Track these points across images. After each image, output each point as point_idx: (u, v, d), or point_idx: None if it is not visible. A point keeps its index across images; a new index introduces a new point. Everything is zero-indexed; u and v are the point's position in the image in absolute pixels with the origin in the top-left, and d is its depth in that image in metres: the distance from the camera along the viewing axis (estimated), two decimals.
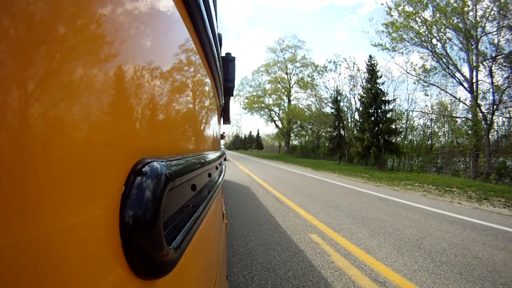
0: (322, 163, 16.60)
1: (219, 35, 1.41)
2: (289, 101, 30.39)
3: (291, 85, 30.36)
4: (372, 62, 15.01)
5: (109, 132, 0.22)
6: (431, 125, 17.39)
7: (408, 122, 17.55)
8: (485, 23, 11.78)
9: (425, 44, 13.52)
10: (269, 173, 10.99)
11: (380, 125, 13.92)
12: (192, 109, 0.56)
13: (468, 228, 3.73)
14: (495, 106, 11.34)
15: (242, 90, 32.34)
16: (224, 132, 5.93)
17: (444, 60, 13.36)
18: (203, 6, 0.53)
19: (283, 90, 30.88)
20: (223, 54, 1.68)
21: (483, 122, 12.09)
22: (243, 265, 2.41)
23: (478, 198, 6.16)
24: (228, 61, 1.68)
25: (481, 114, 12.04)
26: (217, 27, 0.96)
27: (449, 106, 16.16)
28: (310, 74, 28.49)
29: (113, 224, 0.22)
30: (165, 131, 0.37)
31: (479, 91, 12.46)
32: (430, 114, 16.97)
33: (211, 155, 0.71)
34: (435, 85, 14.16)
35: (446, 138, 16.61)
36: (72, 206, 0.17)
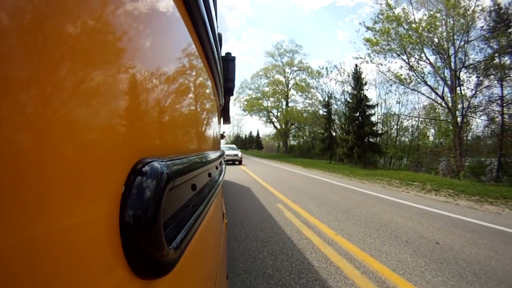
0: (314, 162, 17.85)
1: (219, 35, 1.41)
2: (287, 103, 31.77)
3: (289, 88, 31.71)
4: (358, 70, 16.77)
5: (109, 132, 0.22)
6: (418, 126, 18.79)
7: (398, 124, 19.36)
8: (453, 38, 13.35)
9: (401, 56, 15.26)
10: (262, 169, 12.51)
11: (364, 127, 15.71)
12: (192, 109, 0.56)
13: (393, 205, 5.09)
14: (463, 111, 12.88)
15: (242, 93, 33.89)
16: (224, 132, 6.00)
17: (418, 70, 15.04)
18: (203, 6, 0.53)
19: (281, 93, 32.25)
20: (223, 54, 1.68)
21: (460, 124, 13.55)
22: (234, 215, 4.11)
23: (430, 189, 7.26)
24: (228, 61, 1.67)
25: (459, 118, 13.37)
26: (217, 27, 0.96)
27: (435, 109, 17.26)
28: (303, 80, 29.89)
29: (113, 224, 0.22)
30: (165, 131, 0.37)
31: (448, 98, 14.02)
32: (412, 117, 18.81)
33: (211, 155, 0.71)
34: (416, 90, 15.86)
35: (433, 139, 17.87)
36: (72, 206, 0.17)
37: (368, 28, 15.15)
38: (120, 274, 0.22)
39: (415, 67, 14.68)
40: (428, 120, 17.52)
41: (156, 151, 0.31)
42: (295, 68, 31.45)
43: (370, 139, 15.96)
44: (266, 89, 32.89)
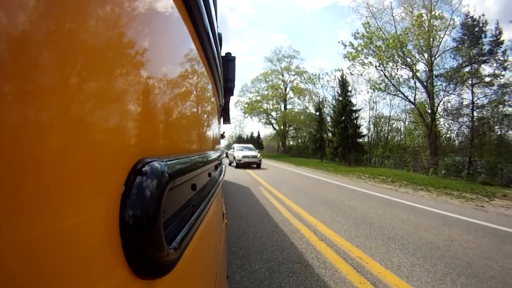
0: (306, 161, 19.56)
1: (219, 35, 1.41)
2: (285, 106, 33.54)
3: (287, 92, 33.53)
4: (343, 78, 18.90)
5: (109, 132, 0.22)
6: (405, 127, 20.66)
7: (389, 125, 21.42)
8: (428, 50, 14.96)
9: (378, 69, 17.22)
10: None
11: (348, 130, 17.88)
12: (192, 109, 0.56)
13: (343, 189, 7.01)
14: (433, 115, 14.82)
15: (242, 96, 35.75)
16: (224, 132, 6.07)
17: (394, 79, 16.91)
18: (203, 6, 0.53)
19: (280, 96, 34.03)
20: (223, 54, 1.68)
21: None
22: (229, 195, 5.86)
23: (388, 181, 9.17)
24: (228, 61, 1.67)
25: (430, 120, 15.27)
26: (217, 27, 0.96)
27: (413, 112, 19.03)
28: (297, 85, 31.95)
29: (113, 224, 0.21)
30: (165, 131, 0.37)
31: (419, 105, 16.00)
32: (395, 120, 21.27)
33: (211, 155, 0.71)
34: (396, 95, 17.49)
35: (421, 139, 19.41)
36: (72, 206, 0.17)
37: (345, 46, 17.17)
38: (120, 274, 0.22)
39: (389, 78, 16.51)
40: (409, 121, 19.70)
41: (156, 151, 0.31)
42: (292, 73, 33.37)
43: (355, 140, 18.00)
44: (266, 92, 34.64)
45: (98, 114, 0.20)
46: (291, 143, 34.62)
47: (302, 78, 31.41)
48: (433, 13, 14.27)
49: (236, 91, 36.87)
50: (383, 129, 21.56)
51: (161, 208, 0.26)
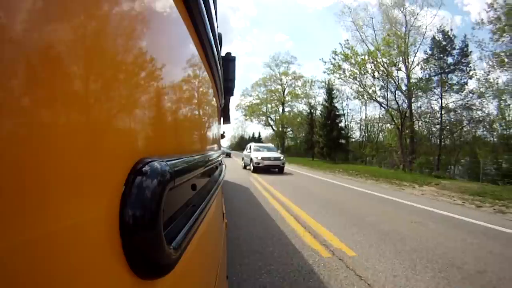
0: (299, 159, 22.01)
1: (219, 35, 1.41)
2: (283, 109, 35.88)
3: (285, 95, 35.80)
4: (330, 86, 21.27)
5: (109, 132, 0.22)
6: (388, 129, 22.52)
7: (378, 126, 23.97)
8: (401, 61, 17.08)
9: (355, 81, 19.01)
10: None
11: (333, 132, 20.61)
12: (192, 109, 0.56)
13: (312, 179, 9.45)
14: (402, 120, 16.51)
15: (243, 100, 38.60)
16: (224, 132, 6.03)
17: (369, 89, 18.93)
18: (203, 6, 0.53)
19: (278, 99, 36.54)
20: (223, 54, 1.68)
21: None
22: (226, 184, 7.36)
23: (355, 174, 11.21)
24: (228, 61, 1.67)
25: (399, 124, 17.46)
26: (217, 27, 0.96)
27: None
28: (294, 89, 34.74)
29: (113, 224, 0.21)
30: (165, 131, 0.37)
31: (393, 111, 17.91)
32: (371, 121, 24.06)
33: (212, 155, 0.71)
34: (376, 101, 19.19)
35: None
36: (72, 205, 0.17)
37: (325, 62, 18.57)
38: (120, 274, 0.22)
39: (365, 87, 18.46)
40: (385, 124, 22.39)
41: (156, 151, 0.31)
42: (289, 78, 35.82)
43: (339, 141, 20.86)
44: (265, 96, 37.26)
45: (98, 114, 0.20)
46: (291, 143, 36.72)
47: (298, 83, 34.26)
48: (406, 40, 16.54)
49: (237, 94, 39.79)
50: (372, 130, 23.82)
51: (161, 208, 0.26)
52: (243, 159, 13.38)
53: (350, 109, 24.32)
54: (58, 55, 0.16)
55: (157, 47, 0.33)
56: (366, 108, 24.58)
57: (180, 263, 0.32)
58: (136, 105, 0.27)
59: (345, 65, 17.47)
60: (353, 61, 17.10)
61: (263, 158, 10.96)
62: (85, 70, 0.19)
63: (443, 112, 16.25)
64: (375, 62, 16.46)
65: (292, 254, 2.63)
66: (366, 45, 17.84)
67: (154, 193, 0.25)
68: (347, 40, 17.57)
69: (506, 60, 13.15)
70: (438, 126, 16.49)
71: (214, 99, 0.97)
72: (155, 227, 0.24)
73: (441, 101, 16.06)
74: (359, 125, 24.34)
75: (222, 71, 1.30)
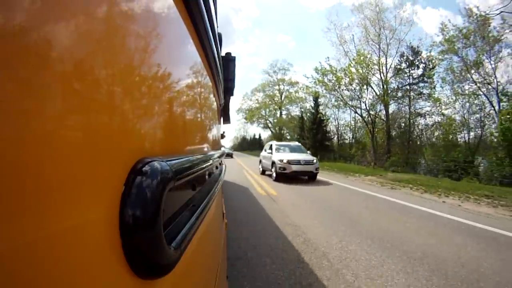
0: None
1: (219, 35, 1.41)
2: (281, 113, 39.69)
3: (282, 100, 39.50)
4: (316, 95, 23.92)
5: (109, 132, 0.22)
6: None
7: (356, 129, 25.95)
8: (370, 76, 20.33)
9: (332, 93, 22.51)
10: (246, 160, 20.22)
11: (318, 135, 23.26)
12: (192, 109, 0.56)
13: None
14: (373, 125, 19.67)
15: (243, 104, 42.83)
16: (224, 132, 6.03)
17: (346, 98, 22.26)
18: (203, 6, 0.53)
19: (276, 104, 40.30)
20: (223, 54, 1.68)
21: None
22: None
23: (327, 169, 13.30)
24: (228, 61, 1.67)
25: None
26: (217, 27, 0.96)
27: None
28: (290, 95, 38.33)
29: (113, 224, 0.21)
30: (165, 131, 0.37)
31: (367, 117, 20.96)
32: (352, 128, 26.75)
33: (212, 155, 0.71)
34: (351, 108, 22.47)
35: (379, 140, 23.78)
36: (72, 206, 0.17)
37: (307, 77, 22.19)
38: (120, 274, 0.22)
39: (343, 99, 21.75)
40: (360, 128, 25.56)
41: (156, 151, 0.31)
42: (286, 84, 39.41)
43: (323, 143, 23.68)
44: (264, 100, 41.13)
45: (98, 114, 0.20)
46: None
47: (294, 88, 37.64)
48: (381, 59, 19.85)
49: (238, 98, 44.25)
50: (360, 132, 25.91)
51: (161, 208, 0.26)
52: (260, 162, 10.69)
53: (335, 114, 27.29)
54: (58, 55, 0.16)
55: (157, 47, 0.33)
56: (351, 113, 27.89)
57: (180, 263, 0.32)
58: (136, 105, 0.27)
59: (326, 79, 21.10)
60: (330, 77, 20.88)
61: (289, 162, 8.00)
62: (85, 70, 0.19)
63: (412, 117, 19.06)
64: (349, 78, 20.18)
65: (252, 194, 6.21)
66: (348, 59, 21.01)
67: (154, 193, 0.25)
68: (328, 57, 21.48)
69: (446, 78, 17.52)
70: (407, 129, 19.16)
71: (214, 99, 0.97)
72: (155, 227, 0.24)
73: (409, 108, 19.17)
74: (348, 128, 27.00)
75: (222, 71, 1.30)
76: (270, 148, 9.65)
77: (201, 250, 0.52)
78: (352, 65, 20.05)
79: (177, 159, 0.35)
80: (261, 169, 10.54)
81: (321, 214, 4.37)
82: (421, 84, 18.55)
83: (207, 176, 0.68)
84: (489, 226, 3.77)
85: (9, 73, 0.13)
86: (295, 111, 37.07)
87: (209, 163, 0.62)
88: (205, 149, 0.73)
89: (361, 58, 19.51)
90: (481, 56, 15.53)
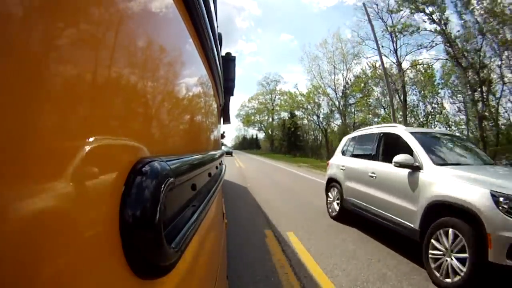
0: (275, 155, 31.39)
1: (219, 35, 1.41)
2: (273, 118, 47.93)
3: (274, 107, 46.52)
4: (292, 109, 32.15)
5: (110, 132, 0.22)
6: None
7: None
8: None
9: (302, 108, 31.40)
10: (243, 158, 24.45)
11: (291, 138, 32.95)
12: (192, 109, 0.56)
13: (254, 160, 22.43)
14: (325, 132, 27.27)
15: (241, 110, 51.42)
16: (224, 132, 6.03)
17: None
18: (203, 6, 0.53)
19: (269, 110, 47.69)
20: (223, 54, 1.68)
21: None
22: None
23: (288, 162, 19.36)
24: (228, 61, 1.67)
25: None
26: (217, 27, 0.96)
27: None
28: (280, 103, 44.66)
29: (113, 223, 0.21)
30: (165, 131, 0.37)
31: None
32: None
33: (212, 155, 0.71)
34: (312, 121, 31.58)
35: None
36: (72, 205, 0.17)
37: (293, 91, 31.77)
38: (120, 274, 0.22)
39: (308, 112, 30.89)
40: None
41: (156, 151, 0.31)
42: (277, 93, 46.68)
43: (296, 143, 33.23)
44: (259, 107, 49.19)
45: (98, 114, 0.20)
46: (277, 144, 48.44)
47: (284, 97, 43.74)
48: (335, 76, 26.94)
49: (237, 104, 51.08)
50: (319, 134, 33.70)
51: (161, 208, 0.26)
52: (329, 190, 4.33)
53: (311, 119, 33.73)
54: (58, 55, 0.16)
55: (157, 47, 0.33)
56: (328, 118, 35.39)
57: (180, 263, 0.32)
58: (136, 104, 0.27)
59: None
60: (299, 98, 29.98)
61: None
62: (85, 70, 0.19)
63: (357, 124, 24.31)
64: (309, 101, 28.91)
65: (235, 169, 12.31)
66: (312, 85, 28.80)
67: (154, 193, 0.25)
68: (296, 83, 30.31)
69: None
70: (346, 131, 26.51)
71: (214, 99, 0.97)
72: (155, 227, 0.24)
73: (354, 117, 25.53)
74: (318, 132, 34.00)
75: (222, 71, 1.30)
76: (349, 145, 4.20)
77: (201, 250, 0.52)
78: (310, 92, 28.61)
79: (177, 159, 0.35)
80: (333, 212, 4.11)
81: (261, 176, 10.12)
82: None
83: (207, 176, 0.68)
84: (304, 174, 11.02)
85: (9, 73, 0.13)
86: (286, 116, 43.92)
87: (209, 163, 0.62)
88: (205, 148, 0.73)
89: (314, 89, 28.15)
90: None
